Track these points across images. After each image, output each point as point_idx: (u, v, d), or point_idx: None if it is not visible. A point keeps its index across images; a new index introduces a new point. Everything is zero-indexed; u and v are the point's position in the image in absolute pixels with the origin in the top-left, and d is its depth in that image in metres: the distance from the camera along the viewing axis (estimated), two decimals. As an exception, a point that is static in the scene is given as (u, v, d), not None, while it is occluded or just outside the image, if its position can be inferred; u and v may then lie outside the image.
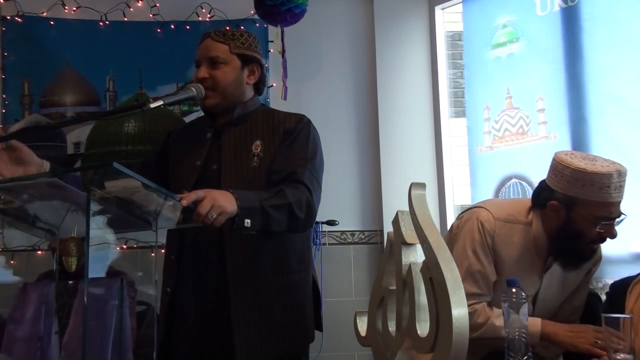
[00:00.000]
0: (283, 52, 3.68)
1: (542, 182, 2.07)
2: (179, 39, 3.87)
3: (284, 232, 2.00)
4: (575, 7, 3.42)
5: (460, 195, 4.05)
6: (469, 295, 1.84)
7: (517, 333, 1.59)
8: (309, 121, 2.22)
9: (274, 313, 2.08)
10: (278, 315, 2.08)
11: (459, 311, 1.01)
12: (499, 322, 1.86)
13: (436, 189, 4.03)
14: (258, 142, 2.12)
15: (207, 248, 2.11)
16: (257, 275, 2.07)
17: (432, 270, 1.09)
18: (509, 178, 3.73)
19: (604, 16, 3.30)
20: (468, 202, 3.95)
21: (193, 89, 2.11)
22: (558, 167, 1.96)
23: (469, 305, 1.85)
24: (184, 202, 1.73)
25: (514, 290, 1.62)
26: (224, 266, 2.06)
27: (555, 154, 2.05)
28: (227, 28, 2.30)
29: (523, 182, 3.66)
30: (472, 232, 2.00)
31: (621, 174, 1.89)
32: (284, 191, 1.95)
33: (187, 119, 3.79)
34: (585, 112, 3.36)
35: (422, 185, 1.18)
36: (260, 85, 2.28)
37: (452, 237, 2.08)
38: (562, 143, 3.46)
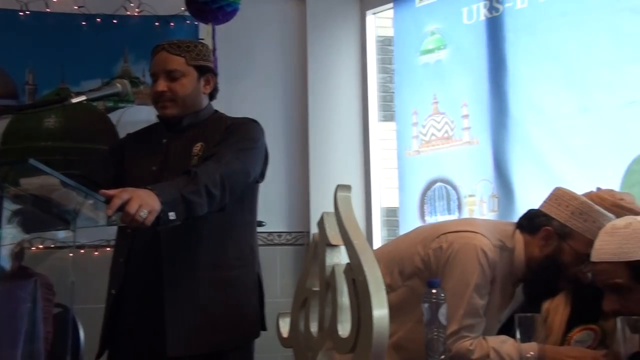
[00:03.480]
0: (214, 51, 3.64)
1: (533, 210, 2.01)
2: (105, 33, 3.77)
3: (207, 214, 2.00)
4: (500, 17, 3.54)
5: (387, 198, 4.12)
6: (468, 328, 1.83)
7: (435, 333, 1.63)
8: (255, 120, 2.29)
9: (211, 309, 2.11)
10: (215, 311, 2.11)
11: (380, 312, 1.03)
12: (498, 345, 1.82)
13: (363, 192, 4.08)
14: (199, 144, 2.17)
15: (145, 249, 2.13)
16: (193, 271, 2.11)
17: (355, 272, 1.10)
18: (434, 182, 3.82)
19: (526, 28, 3.42)
20: (395, 204, 4.02)
21: (118, 85, 2.09)
22: (565, 197, 1.93)
23: (469, 340, 1.81)
24: (109, 212, 1.72)
25: (433, 291, 1.66)
26: (161, 264, 2.09)
27: (560, 188, 1.98)
28: (179, 40, 2.32)
29: (448, 186, 3.75)
30: (474, 263, 1.84)
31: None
32: (197, 174, 1.96)
33: (112, 116, 3.70)
34: (507, 119, 3.48)
35: (347, 188, 1.19)
36: (214, 93, 2.35)
37: (439, 260, 1.89)
38: (484, 148, 3.56)
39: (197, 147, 2.18)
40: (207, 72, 2.30)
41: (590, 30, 3.19)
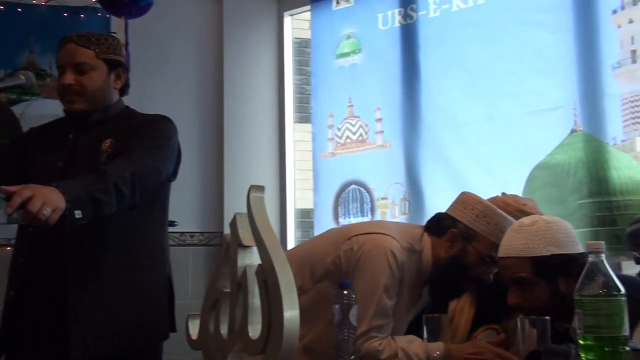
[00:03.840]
0: (126, 45, 3.54)
1: (441, 213, 2.05)
2: (9, 22, 3.59)
3: (117, 212, 1.94)
4: (413, 25, 3.63)
5: (302, 199, 4.13)
6: (377, 328, 1.85)
7: (346, 334, 1.65)
8: (167, 118, 2.24)
9: (117, 310, 2.05)
10: (121, 312, 2.05)
11: (291, 313, 1.03)
12: (406, 345, 1.85)
13: (278, 193, 4.08)
14: (108, 141, 2.10)
15: (48, 248, 2.05)
16: (99, 272, 2.04)
17: (266, 273, 1.10)
18: (348, 184, 3.87)
19: (438, 36, 3.53)
20: (310, 206, 4.04)
21: (22, 77, 2.00)
22: (470, 201, 2.00)
23: (378, 340, 1.84)
24: (9, 210, 1.64)
25: (345, 292, 1.68)
26: (64, 265, 2.02)
27: (467, 193, 2.05)
28: (89, 32, 2.23)
29: (361, 189, 3.81)
30: (383, 264, 1.87)
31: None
32: (106, 172, 1.90)
33: (16, 109, 3.52)
34: (418, 124, 3.57)
35: (261, 188, 1.19)
36: (125, 88, 2.26)
37: (350, 262, 1.91)
38: (396, 152, 3.64)
39: (106, 144, 2.11)
40: (117, 66, 2.22)
41: (497, 42, 3.33)
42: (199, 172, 3.93)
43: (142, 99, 3.68)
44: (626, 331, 1.18)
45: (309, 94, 4.11)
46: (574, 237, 1.71)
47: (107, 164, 2.00)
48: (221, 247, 1.24)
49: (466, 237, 1.93)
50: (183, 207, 3.77)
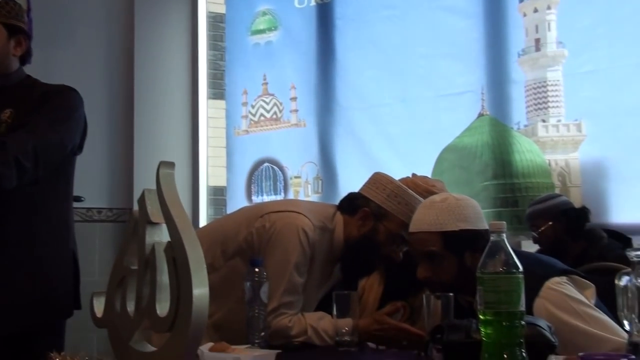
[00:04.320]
0: (28, 11, 3.35)
1: (353, 192, 2.07)
2: None
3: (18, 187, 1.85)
4: (330, 4, 3.64)
5: (214, 177, 4.08)
6: (287, 305, 1.84)
7: (256, 312, 1.65)
8: (73, 89, 2.12)
9: (19, 287, 1.96)
10: (23, 289, 1.96)
11: (200, 291, 1.02)
12: (315, 321, 1.85)
13: (190, 170, 4.01)
14: (8, 111, 1.98)
15: None
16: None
17: (175, 250, 1.08)
18: (262, 162, 3.86)
19: (354, 17, 3.55)
20: (223, 183, 4.00)
21: None
22: (382, 181, 2.02)
23: (288, 316, 1.83)
24: None
25: (256, 269, 1.68)
26: None
27: (379, 173, 2.07)
28: None
29: (275, 167, 3.80)
30: (295, 242, 1.87)
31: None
32: (6, 145, 1.81)
33: None
34: (333, 104, 3.60)
35: (171, 165, 1.16)
36: (26, 57, 2.13)
37: (262, 239, 1.91)
38: (310, 131, 3.66)
39: (6, 114, 2.00)
40: (18, 32, 2.10)
41: (411, 25, 3.39)
42: (107, 147, 3.80)
43: (46, 69, 3.50)
44: (522, 306, 1.24)
45: (223, 70, 4.05)
46: (481, 215, 1.78)
47: (7, 135, 1.90)
48: (129, 223, 1.21)
49: (377, 216, 1.97)
50: (90, 182, 3.65)
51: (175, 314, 1.04)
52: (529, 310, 1.55)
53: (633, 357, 0.84)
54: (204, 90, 4.10)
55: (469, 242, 1.68)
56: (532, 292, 1.58)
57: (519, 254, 1.46)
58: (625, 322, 1.08)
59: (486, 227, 1.74)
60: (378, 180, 2.03)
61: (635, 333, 1.03)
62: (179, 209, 1.11)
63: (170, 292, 1.07)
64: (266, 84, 3.84)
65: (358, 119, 3.51)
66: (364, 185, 2.06)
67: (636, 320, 1.03)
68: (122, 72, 3.89)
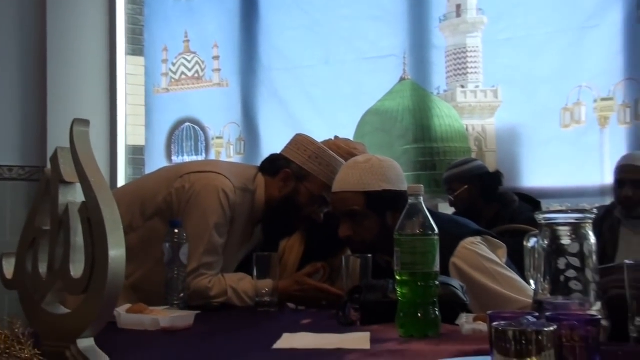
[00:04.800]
0: None
1: (275, 154, 2.05)
2: None
3: None
4: (254, -39, 3.56)
5: (133, 136, 3.97)
6: (207, 266, 1.82)
7: (175, 273, 1.64)
8: None
9: None
10: None
11: (116, 252, 0.99)
12: (235, 282, 1.84)
13: (108, 128, 3.88)
14: None
15: None
16: None
17: (90, 211, 1.04)
18: (183, 121, 3.78)
19: (278, -26, 3.49)
20: (142, 143, 3.90)
21: None
22: (304, 142, 2.02)
23: (207, 277, 1.81)
24: None
25: (175, 230, 1.66)
26: None
27: (301, 134, 2.07)
28: None
29: (196, 127, 3.74)
30: (214, 203, 1.85)
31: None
32: None
33: None
34: (256, 64, 3.55)
35: (85, 122, 1.12)
36: None
37: (181, 200, 1.88)
38: (233, 91, 3.61)
39: None
40: None
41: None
42: (18, 103, 3.62)
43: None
44: (437, 267, 1.29)
45: (143, 25, 3.90)
46: (402, 176, 1.83)
47: None
48: (41, 183, 1.16)
49: (299, 177, 1.98)
50: (0, 140, 3.48)
51: (90, 276, 1.01)
52: (445, 268, 1.61)
53: (536, 314, 0.89)
54: (122, 46, 3.95)
55: (391, 202, 1.72)
56: (448, 250, 1.64)
57: (436, 215, 1.51)
58: (532, 282, 1.13)
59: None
60: (300, 141, 2.04)
61: (541, 292, 1.09)
62: (94, 168, 1.07)
63: (85, 253, 1.04)
64: (188, 41, 3.74)
65: (281, 79, 3.48)
66: (285, 147, 2.06)
67: (541, 280, 1.09)
68: (34, 24, 3.69)
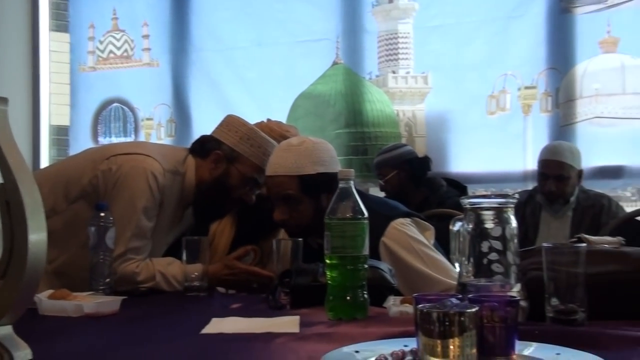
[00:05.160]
0: None
1: (206, 135, 2.00)
2: None
3: None
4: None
5: (57, 115, 3.83)
6: (135, 250, 1.77)
7: (101, 257, 1.60)
8: None
9: None
10: None
11: (36, 236, 0.96)
12: (164, 267, 1.79)
13: (31, 107, 3.73)
14: None
15: None
16: None
17: (9, 193, 1.00)
18: (110, 101, 3.68)
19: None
20: (66, 123, 3.77)
21: None
22: (234, 123, 1.98)
23: (135, 262, 1.77)
24: None
25: (101, 214, 1.62)
26: None
27: (231, 115, 2.03)
28: None
29: (125, 107, 3.65)
30: (143, 185, 1.80)
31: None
32: None
33: None
34: (187, 44, 3.48)
35: (4, 100, 1.07)
36: None
37: (108, 183, 1.82)
38: (163, 72, 3.53)
39: None
40: None
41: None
42: None
43: None
44: (366, 251, 1.30)
45: (67, 1, 3.76)
46: (336, 158, 1.83)
47: None
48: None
49: (230, 158, 1.95)
50: None
51: (9, 261, 0.98)
52: (375, 248, 1.64)
53: (460, 296, 0.92)
54: (46, 21, 3.79)
55: (326, 185, 1.73)
56: (379, 231, 1.66)
57: (367, 197, 1.53)
58: (457, 265, 1.16)
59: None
60: (231, 122, 2.01)
61: (464, 274, 1.12)
62: (13, 149, 1.03)
63: (4, 237, 1.00)
64: (116, 19, 3.63)
65: (213, 61, 3.44)
66: (216, 128, 2.03)
67: (466, 263, 1.12)
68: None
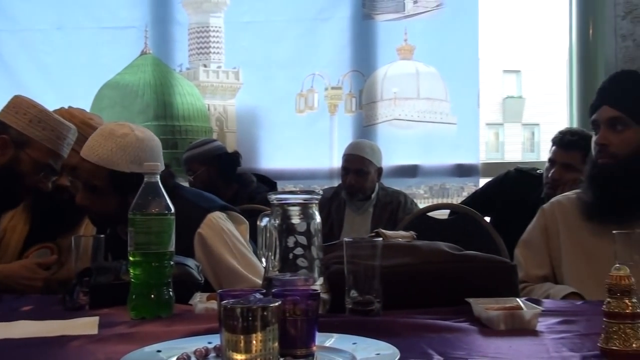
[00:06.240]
0: None
1: None
2: None
3: None
4: None
5: None
6: None
7: None
8: None
9: None
10: None
11: None
12: None
13: None
14: None
15: None
16: None
17: None
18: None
19: None
20: None
21: None
22: (23, 104, 1.81)
23: None
24: None
25: None
26: None
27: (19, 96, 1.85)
28: None
29: None
30: None
31: (74, 135, 1.83)
32: None
33: None
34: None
35: None
36: None
37: None
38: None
39: None
40: None
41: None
42: None
43: None
44: (172, 247, 1.27)
45: None
46: (160, 156, 1.75)
47: None
48: None
49: (18, 143, 1.80)
50: None
51: None
52: (190, 239, 1.63)
53: (264, 291, 0.93)
54: None
55: (136, 186, 1.66)
56: (195, 222, 1.66)
57: (183, 189, 1.49)
58: (263, 260, 1.17)
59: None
60: (18, 104, 1.85)
61: (271, 269, 1.13)
62: None
63: None
64: None
65: (6, 42, 3.16)
66: (1, 110, 1.86)
67: (272, 258, 1.13)
68: None
